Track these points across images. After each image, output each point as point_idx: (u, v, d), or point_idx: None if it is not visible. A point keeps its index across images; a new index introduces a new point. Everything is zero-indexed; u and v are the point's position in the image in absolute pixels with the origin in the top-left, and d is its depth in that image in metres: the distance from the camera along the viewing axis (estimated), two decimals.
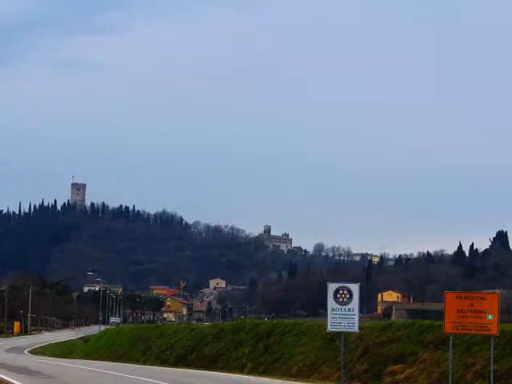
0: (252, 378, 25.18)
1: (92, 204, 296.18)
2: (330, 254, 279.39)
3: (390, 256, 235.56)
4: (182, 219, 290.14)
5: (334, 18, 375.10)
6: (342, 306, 23.55)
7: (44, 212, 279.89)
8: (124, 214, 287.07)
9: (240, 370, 28.31)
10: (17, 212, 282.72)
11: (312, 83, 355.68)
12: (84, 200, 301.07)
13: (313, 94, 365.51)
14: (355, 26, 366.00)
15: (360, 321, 24.18)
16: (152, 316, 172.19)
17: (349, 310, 23.55)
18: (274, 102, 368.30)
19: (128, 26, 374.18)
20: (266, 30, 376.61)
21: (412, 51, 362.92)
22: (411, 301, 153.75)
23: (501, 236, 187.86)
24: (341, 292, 23.64)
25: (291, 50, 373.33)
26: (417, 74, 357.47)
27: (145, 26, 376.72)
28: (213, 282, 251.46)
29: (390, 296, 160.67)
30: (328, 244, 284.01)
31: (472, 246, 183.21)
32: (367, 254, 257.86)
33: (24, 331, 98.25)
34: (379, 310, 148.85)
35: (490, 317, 19.64)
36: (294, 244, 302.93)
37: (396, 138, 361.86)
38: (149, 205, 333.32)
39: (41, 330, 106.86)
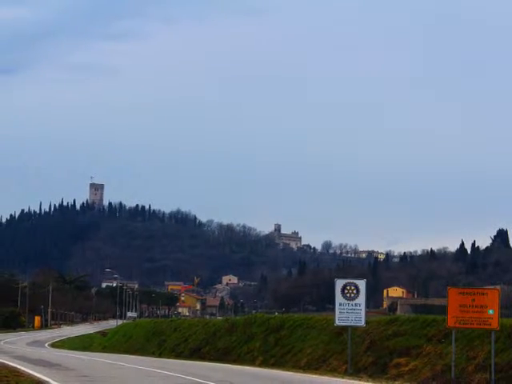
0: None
1: (110, 203, 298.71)
2: (338, 252, 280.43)
3: (395, 253, 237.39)
4: (195, 218, 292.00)
5: (334, 18, 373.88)
6: (349, 301, 24.22)
7: (64, 211, 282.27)
8: (140, 213, 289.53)
9: (251, 362, 28.79)
10: (37, 211, 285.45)
11: (312, 83, 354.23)
12: (102, 200, 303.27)
13: (313, 94, 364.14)
14: (355, 26, 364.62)
15: (366, 315, 24.79)
16: (167, 311, 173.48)
17: (356, 305, 24.22)
18: (274, 102, 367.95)
19: (143, 32, 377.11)
20: (267, 31, 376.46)
21: (412, 51, 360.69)
22: (415, 296, 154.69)
23: (501, 234, 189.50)
24: (348, 288, 24.35)
25: (291, 50, 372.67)
26: (417, 74, 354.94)
27: (160, 33, 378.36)
28: (225, 279, 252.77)
29: (395, 292, 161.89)
30: (336, 242, 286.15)
31: (474, 244, 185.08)
32: (373, 252, 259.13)
33: (44, 325, 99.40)
34: (385, 305, 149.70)
35: (490, 312, 20.12)
36: (303, 242, 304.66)
37: (396, 137, 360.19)
38: (164, 204, 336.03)
39: (60, 325, 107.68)
